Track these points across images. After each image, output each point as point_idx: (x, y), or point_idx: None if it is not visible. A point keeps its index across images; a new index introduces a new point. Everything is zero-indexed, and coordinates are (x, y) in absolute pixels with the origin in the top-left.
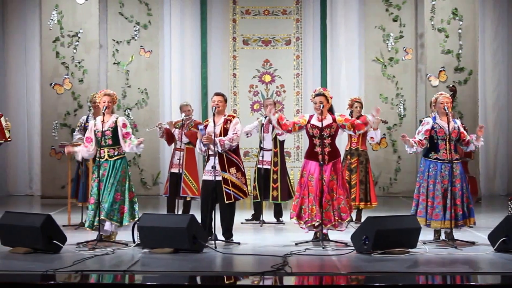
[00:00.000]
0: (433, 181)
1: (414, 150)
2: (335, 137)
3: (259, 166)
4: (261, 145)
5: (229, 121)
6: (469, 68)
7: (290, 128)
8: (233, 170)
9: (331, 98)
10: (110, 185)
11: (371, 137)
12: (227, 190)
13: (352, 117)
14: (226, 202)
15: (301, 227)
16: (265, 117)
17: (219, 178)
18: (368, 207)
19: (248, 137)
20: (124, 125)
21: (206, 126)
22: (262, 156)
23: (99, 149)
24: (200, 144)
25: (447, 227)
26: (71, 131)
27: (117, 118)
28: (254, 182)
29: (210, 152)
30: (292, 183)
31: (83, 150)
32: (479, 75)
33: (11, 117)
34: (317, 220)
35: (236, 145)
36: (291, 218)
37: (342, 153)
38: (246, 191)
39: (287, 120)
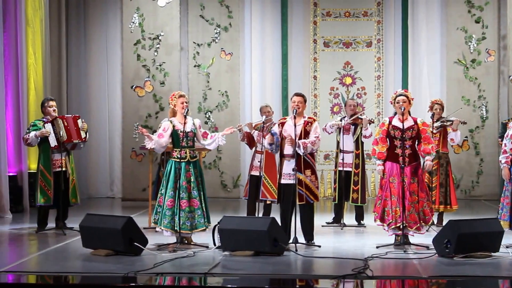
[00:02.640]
0: None
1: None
2: (416, 139)
3: (339, 168)
4: (340, 148)
5: (309, 124)
6: None
7: (384, 145)
8: (308, 172)
9: (413, 99)
10: (202, 188)
11: (451, 139)
12: (300, 191)
13: (433, 119)
14: (298, 203)
15: (384, 229)
16: (344, 118)
17: (292, 180)
18: (448, 210)
19: (329, 133)
20: (200, 127)
21: (282, 124)
22: (343, 159)
23: (178, 150)
24: (267, 144)
25: None
26: (152, 133)
27: (193, 120)
28: (335, 184)
29: (286, 153)
30: (373, 186)
31: (157, 140)
32: None
33: (93, 119)
34: (401, 222)
35: (316, 149)
36: (374, 220)
37: None
38: (318, 195)
39: (380, 148)
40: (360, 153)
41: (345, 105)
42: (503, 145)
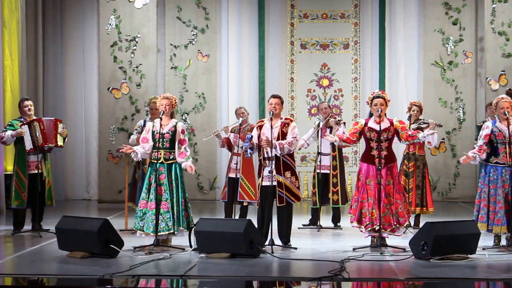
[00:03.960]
0: (494, 186)
1: (478, 160)
2: (392, 141)
3: (317, 171)
4: (319, 150)
5: (286, 125)
6: None
7: (354, 139)
8: (288, 174)
9: (389, 101)
10: (176, 191)
11: (428, 142)
12: (280, 194)
13: (410, 121)
14: (278, 205)
15: (361, 231)
16: (321, 122)
17: (274, 182)
18: (424, 212)
19: (305, 148)
20: (183, 131)
21: (260, 127)
22: (320, 161)
23: (155, 150)
24: (246, 148)
25: (509, 232)
26: (129, 136)
27: (176, 123)
28: (314, 188)
29: (265, 155)
30: (350, 188)
31: (140, 150)
32: None
33: (69, 121)
34: (378, 224)
35: (293, 150)
36: (351, 222)
37: (400, 157)
38: (299, 196)
39: (344, 134)
40: (337, 155)
41: (317, 108)
42: (476, 144)
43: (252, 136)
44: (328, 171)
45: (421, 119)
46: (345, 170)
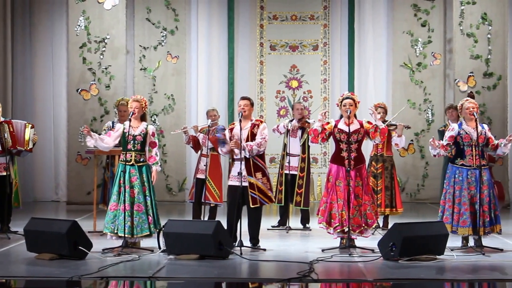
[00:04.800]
0: (459, 188)
1: (437, 152)
2: (362, 142)
3: (286, 171)
4: (287, 151)
5: (256, 126)
6: (498, 74)
7: (324, 137)
8: (259, 175)
9: (359, 102)
10: (149, 193)
11: (395, 144)
12: (253, 195)
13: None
14: (252, 206)
15: (329, 232)
16: (292, 121)
17: (245, 183)
18: (393, 213)
19: (281, 134)
20: (153, 134)
21: (231, 130)
22: (289, 162)
23: (125, 152)
24: (220, 145)
25: (474, 234)
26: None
27: (148, 126)
28: (281, 186)
29: (235, 157)
30: (320, 189)
31: (100, 141)
32: (508, 80)
33: (38, 122)
34: (347, 225)
35: (263, 150)
36: (319, 223)
37: (367, 159)
38: (272, 197)
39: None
40: (306, 157)
41: (292, 108)
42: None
43: (223, 128)
44: (296, 172)
45: (387, 120)
46: (315, 171)
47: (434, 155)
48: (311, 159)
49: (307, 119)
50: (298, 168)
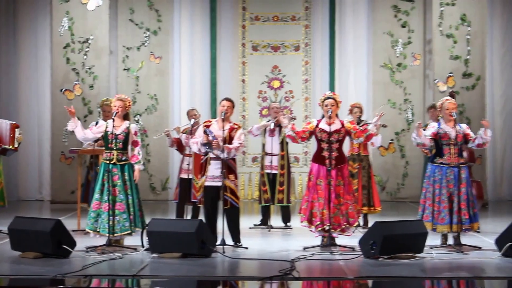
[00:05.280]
0: (438, 186)
1: (421, 141)
2: (343, 142)
3: (267, 171)
4: (266, 150)
5: (234, 130)
6: (477, 74)
7: (304, 136)
8: (232, 177)
9: (340, 102)
10: (131, 192)
11: (371, 143)
12: (225, 197)
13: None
14: (224, 208)
15: (310, 231)
16: (270, 121)
17: (219, 183)
18: (372, 212)
19: (255, 136)
20: (136, 133)
21: (208, 126)
22: (271, 161)
23: (107, 151)
24: (200, 145)
25: (453, 231)
26: None
27: (130, 125)
28: (264, 186)
29: (211, 156)
30: (301, 188)
31: (80, 128)
32: (487, 81)
33: (22, 122)
34: (328, 224)
35: (238, 154)
36: (301, 222)
37: None
38: (239, 197)
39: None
40: (285, 155)
41: (269, 109)
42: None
43: (211, 131)
44: (275, 171)
45: (363, 120)
46: (296, 170)
47: (416, 144)
48: (290, 157)
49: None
50: (278, 166)
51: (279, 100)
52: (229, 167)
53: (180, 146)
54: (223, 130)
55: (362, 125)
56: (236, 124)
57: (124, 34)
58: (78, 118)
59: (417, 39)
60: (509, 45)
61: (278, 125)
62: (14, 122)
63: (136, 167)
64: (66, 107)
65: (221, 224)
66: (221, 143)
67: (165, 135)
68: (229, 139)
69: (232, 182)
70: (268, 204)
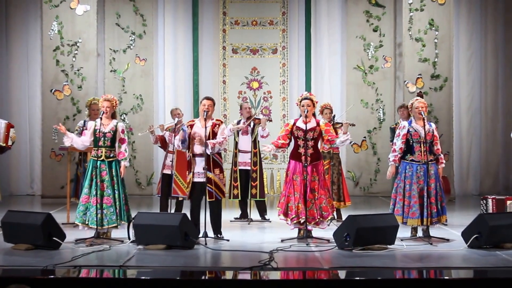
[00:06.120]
0: (409, 182)
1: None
2: (318, 140)
3: (241, 167)
4: (239, 148)
5: (217, 125)
6: (445, 75)
7: (287, 142)
8: (217, 171)
9: (317, 102)
10: (118, 187)
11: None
12: (209, 189)
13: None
14: (208, 200)
15: (287, 224)
16: (240, 121)
17: (203, 179)
18: (342, 206)
19: (228, 136)
20: (123, 131)
21: (191, 126)
22: (244, 158)
23: (96, 148)
24: (179, 142)
25: (422, 225)
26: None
27: (117, 123)
28: (235, 182)
29: (196, 153)
30: (279, 184)
31: (76, 139)
32: (454, 82)
33: (14, 121)
34: (303, 217)
35: (223, 149)
36: (279, 215)
37: None
38: (224, 191)
39: (278, 140)
40: (257, 152)
41: (240, 108)
42: (393, 144)
43: (185, 129)
44: (249, 168)
45: (334, 120)
46: (275, 167)
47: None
48: (267, 154)
49: (256, 116)
50: (251, 163)
51: (258, 100)
52: (214, 162)
53: (163, 143)
54: (206, 128)
55: (334, 125)
56: (218, 120)
57: (111, 38)
58: (67, 118)
59: (388, 43)
60: (475, 48)
61: (250, 124)
62: (8, 122)
63: (122, 163)
64: (55, 126)
65: (205, 217)
66: (208, 141)
67: (149, 132)
68: (212, 135)
69: (217, 176)
70: (237, 199)
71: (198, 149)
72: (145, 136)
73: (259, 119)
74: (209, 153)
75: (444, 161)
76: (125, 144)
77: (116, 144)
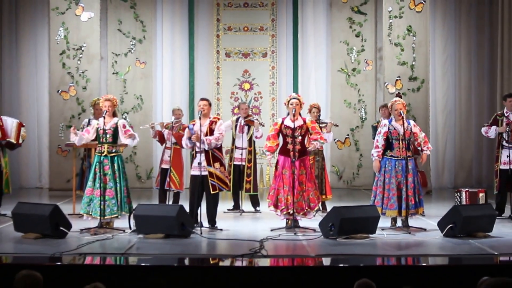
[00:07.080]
0: (388, 176)
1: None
2: (305, 137)
3: (237, 163)
4: (235, 144)
5: (214, 123)
6: (422, 78)
7: (276, 142)
8: (217, 165)
9: (303, 103)
10: (119, 180)
11: (324, 139)
12: (212, 182)
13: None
14: (212, 192)
15: (277, 215)
16: (239, 118)
17: (205, 172)
18: (324, 199)
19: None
20: (124, 126)
21: (193, 125)
22: (241, 154)
23: (99, 145)
24: (186, 140)
25: (400, 216)
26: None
27: (118, 121)
28: (229, 175)
29: (197, 149)
30: (268, 178)
31: (81, 136)
32: (430, 84)
33: (23, 120)
34: (292, 208)
35: (220, 144)
36: (268, 206)
37: None
38: (228, 184)
39: (271, 142)
40: (252, 150)
41: (238, 108)
42: (375, 141)
43: (192, 127)
44: (242, 163)
45: (320, 119)
46: (265, 162)
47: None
48: (256, 152)
49: (251, 118)
50: (246, 159)
51: (248, 101)
52: (214, 157)
53: (161, 138)
54: (203, 126)
55: (320, 123)
56: (216, 118)
57: (113, 42)
58: (73, 116)
59: (369, 47)
60: (449, 53)
61: (247, 124)
62: (19, 121)
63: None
64: (70, 130)
65: (200, 209)
66: (202, 137)
67: (150, 127)
68: (210, 132)
69: (217, 169)
70: (229, 190)
71: (196, 145)
72: (145, 134)
73: (253, 121)
74: (206, 149)
75: (429, 149)
76: (130, 131)
77: (118, 141)
